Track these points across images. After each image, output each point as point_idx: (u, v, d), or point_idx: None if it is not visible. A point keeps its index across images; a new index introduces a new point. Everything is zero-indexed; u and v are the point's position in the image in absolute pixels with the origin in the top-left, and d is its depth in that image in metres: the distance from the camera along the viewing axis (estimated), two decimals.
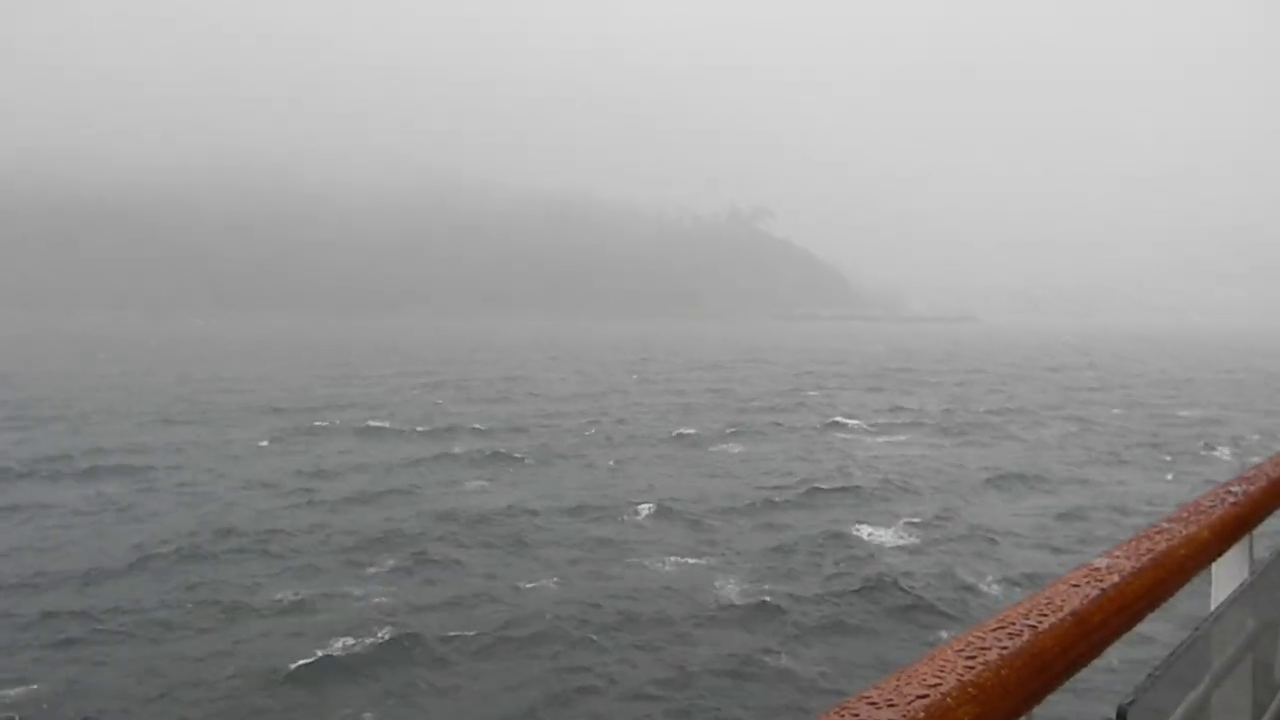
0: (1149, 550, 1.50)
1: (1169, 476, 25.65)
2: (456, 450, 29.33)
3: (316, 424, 35.86)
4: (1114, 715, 1.29)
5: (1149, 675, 1.41)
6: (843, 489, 23.61)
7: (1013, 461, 28.16)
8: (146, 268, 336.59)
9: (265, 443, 30.91)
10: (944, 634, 13.14)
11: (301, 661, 12.11)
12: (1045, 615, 1.18)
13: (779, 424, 37.25)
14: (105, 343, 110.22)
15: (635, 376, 66.18)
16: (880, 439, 33.68)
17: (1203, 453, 29.98)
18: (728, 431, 34.66)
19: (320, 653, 12.37)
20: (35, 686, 11.32)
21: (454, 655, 12.63)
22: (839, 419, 38.65)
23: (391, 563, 16.70)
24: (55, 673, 11.73)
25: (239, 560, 16.80)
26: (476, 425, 35.91)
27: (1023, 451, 30.57)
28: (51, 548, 17.62)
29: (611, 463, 27.75)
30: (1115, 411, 42.98)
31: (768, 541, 18.37)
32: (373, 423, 36.27)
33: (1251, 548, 2.04)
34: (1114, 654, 1.33)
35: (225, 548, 17.44)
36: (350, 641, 12.76)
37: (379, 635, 12.98)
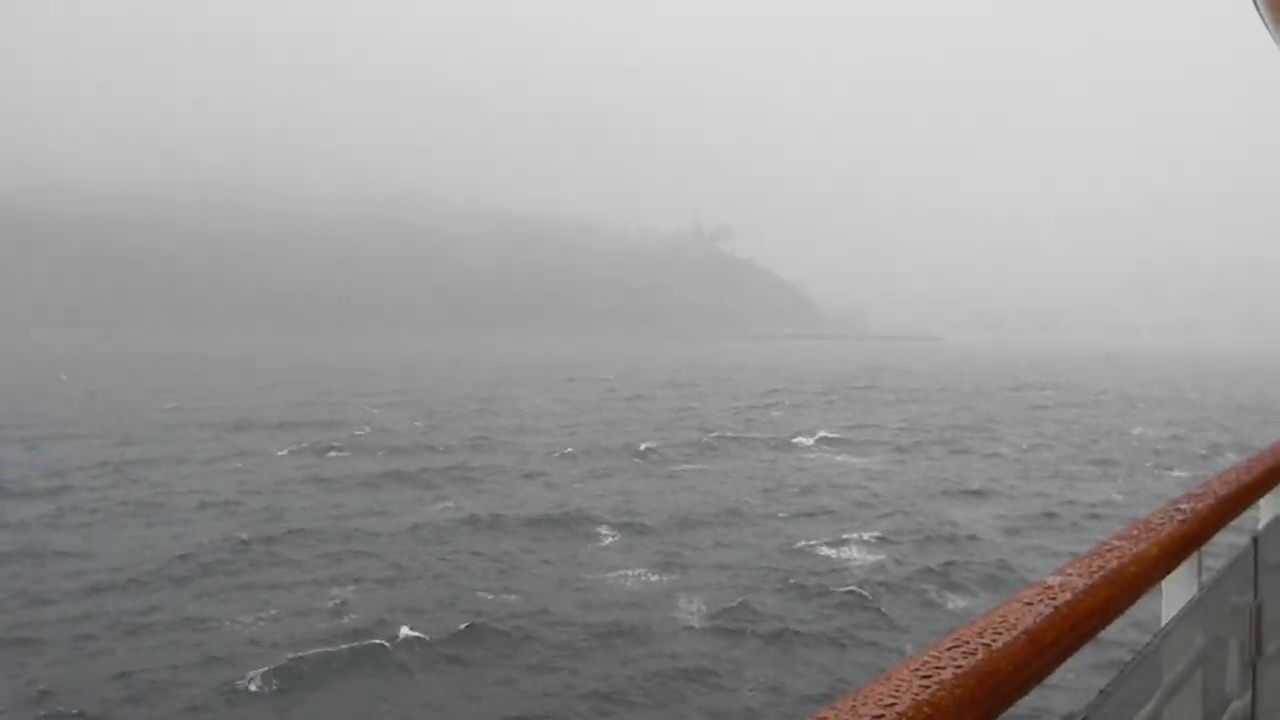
0: (1100, 568, 1.47)
1: (1118, 496, 26.09)
2: (421, 468, 29.11)
3: (279, 445, 35.46)
4: None
5: (1100, 692, 1.42)
6: (806, 506, 23.72)
7: (972, 477, 28.48)
8: (109, 284, 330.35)
9: (235, 463, 30.48)
10: (908, 648, 13.25)
11: (263, 672, 12.00)
12: (999, 634, 1.16)
13: (742, 442, 37.37)
14: (66, 361, 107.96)
15: (600, 394, 66.04)
16: (842, 456, 33.89)
17: (1155, 472, 30.52)
18: (692, 450, 34.70)
19: (282, 665, 12.25)
20: None
21: (417, 667, 12.60)
22: (801, 437, 38.83)
23: (354, 579, 16.53)
24: (13, 695, 11.47)
25: (200, 579, 16.54)
26: (441, 443, 35.71)
27: (982, 467, 30.92)
28: (4, 570, 17.22)
29: (577, 481, 27.67)
30: (1072, 429, 43.63)
31: (730, 557, 18.40)
32: (337, 442, 35.93)
33: (1200, 564, 2.04)
34: (1067, 668, 1.31)
35: (185, 569, 17.15)
36: (312, 654, 12.63)
37: (341, 648, 12.90)
